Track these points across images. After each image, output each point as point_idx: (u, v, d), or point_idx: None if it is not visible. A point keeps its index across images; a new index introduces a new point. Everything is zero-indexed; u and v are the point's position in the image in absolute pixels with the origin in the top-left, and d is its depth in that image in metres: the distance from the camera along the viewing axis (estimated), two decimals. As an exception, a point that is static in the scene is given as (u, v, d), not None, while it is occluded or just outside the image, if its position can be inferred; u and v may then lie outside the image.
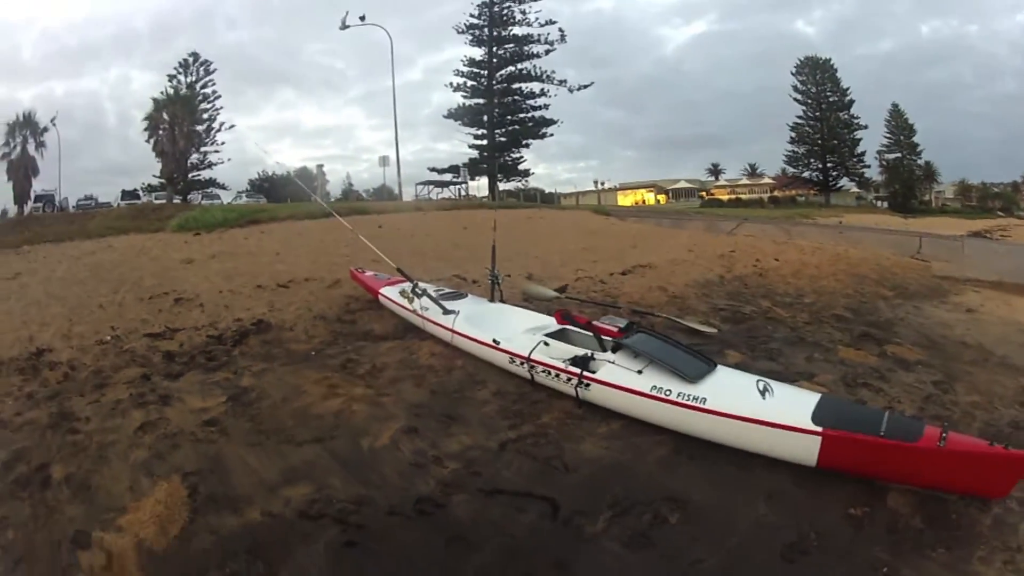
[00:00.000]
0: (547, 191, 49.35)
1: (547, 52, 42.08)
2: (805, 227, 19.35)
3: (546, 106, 43.08)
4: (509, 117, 43.68)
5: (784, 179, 53.42)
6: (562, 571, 2.69)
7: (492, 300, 5.99)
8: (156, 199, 33.29)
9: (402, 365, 4.89)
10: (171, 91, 39.22)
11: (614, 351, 4.14)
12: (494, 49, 42.94)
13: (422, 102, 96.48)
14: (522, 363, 4.44)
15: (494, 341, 4.68)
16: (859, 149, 50.76)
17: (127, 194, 35.41)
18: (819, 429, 3.23)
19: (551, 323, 4.88)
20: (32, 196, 37.02)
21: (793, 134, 51.42)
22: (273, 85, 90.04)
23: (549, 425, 3.92)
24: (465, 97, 43.86)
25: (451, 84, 43.65)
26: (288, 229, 13.20)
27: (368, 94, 77.81)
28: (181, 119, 37.77)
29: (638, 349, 3.99)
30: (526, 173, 45.58)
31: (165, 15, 66.78)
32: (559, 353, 4.34)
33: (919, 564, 2.70)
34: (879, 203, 51.50)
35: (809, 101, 50.89)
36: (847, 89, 50.27)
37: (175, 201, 31.75)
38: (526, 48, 42.31)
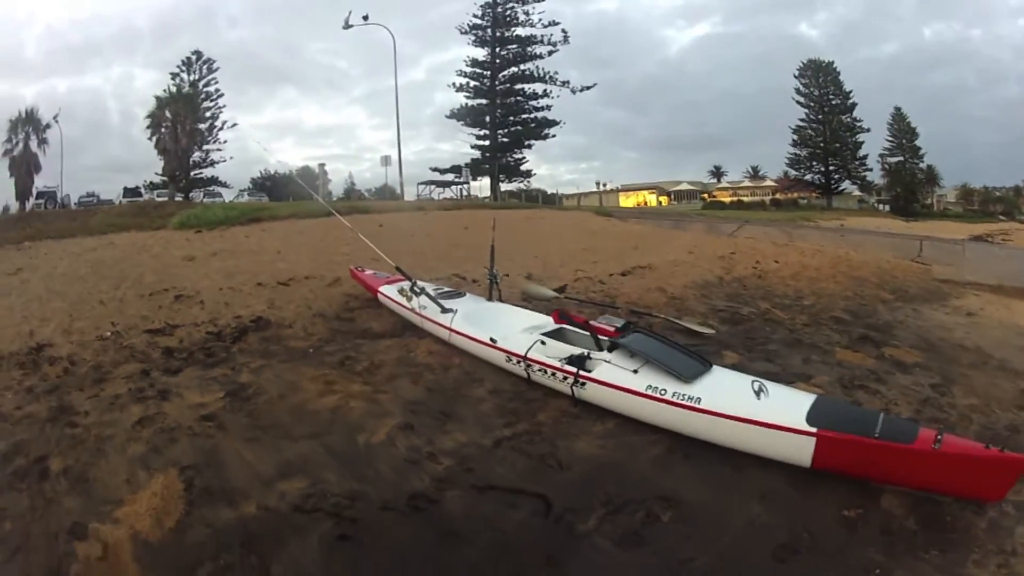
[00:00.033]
0: (549, 192, 49.41)
1: (550, 53, 42.10)
2: (806, 230, 19.33)
3: (548, 107, 43.10)
4: (512, 118, 43.69)
5: (786, 182, 53.36)
6: (553, 567, 2.71)
7: (490, 299, 6.02)
8: (158, 197, 33.30)
9: (400, 363, 4.92)
10: (174, 89, 39.34)
11: (610, 350, 4.16)
12: (497, 50, 42.94)
13: (425, 102, 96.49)
14: (519, 362, 4.47)
15: (491, 340, 4.70)
16: (861, 152, 50.73)
17: (129, 192, 35.39)
18: (813, 430, 3.24)
19: (549, 322, 4.91)
20: (34, 193, 37.11)
21: (795, 137, 51.40)
22: (275, 84, 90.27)
23: (544, 423, 3.95)
24: (468, 97, 43.91)
25: (454, 84, 43.69)
26: (289, 228, 13.21)
27: (371, 93, 77.95)
28: (183, 117, 37.87)
29: (634, 349, 4.01)
30: (528, 174, 45.62)
31: (167, 13, 66.93)
32: (556, 352, 4.36)
33: (913, 566, 2.70)
34: (881, 206, 51.46)
35: (812, 104, 50.84)
36: (850, 92, 50.26)
37: (177, 199, 31.79)
38: (529, 49, 42.30)
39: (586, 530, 2.93)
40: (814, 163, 51.15)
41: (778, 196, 52.72)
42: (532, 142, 44.22)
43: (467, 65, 43.51)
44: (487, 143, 43.92)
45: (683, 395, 3.64)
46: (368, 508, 3.05)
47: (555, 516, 3.03)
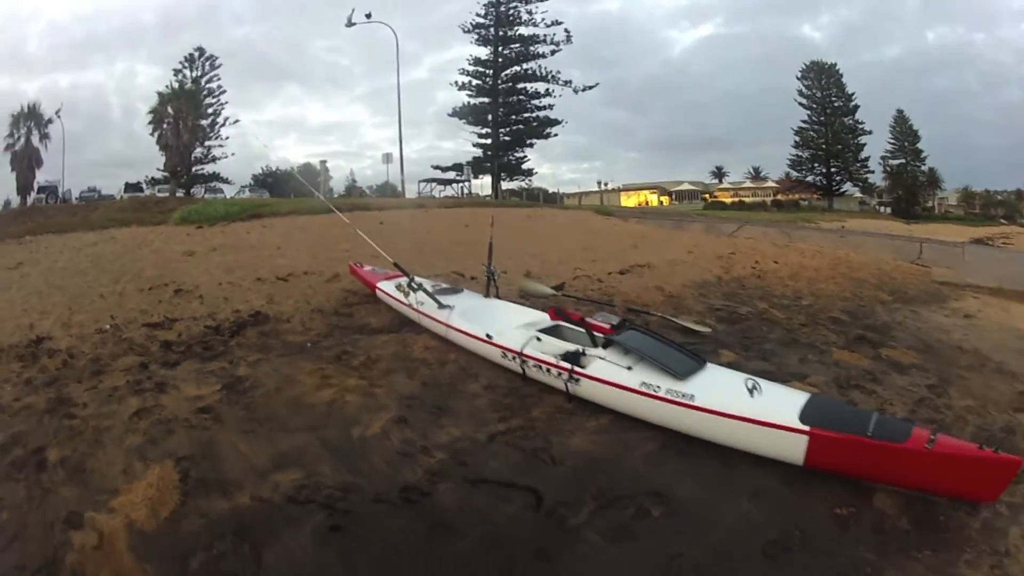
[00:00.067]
0: (550, 191, 49.41)
1: (552, 52, 42.13)
2: (806, 231, 19.37)
3: (551, 106, 43.14)
4: (513, 116, 43.74)
5: (787, 183, 53.38)
6: (542, 560, 2.73)
7: (487, 296, 6.04)
8: (159, 192, 33.35)
9: (396, 358, 4.94)
10: (176, 85, 39.40)
11: (605, 347, 4.18)
12: (500, 49, 42.95)
13: (427, 100, 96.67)
14: (514, 358, 4.49)
15: (487, 336, 4.73)
16: (863, 154, 50.75)
17: (130, 187, 35.49)
18: (806, 428, 3.25)
19: (545, 319, 4.93)
20: (35, 187, 37.24)
21: (797, 138, 51.44)
22: (279, 81, 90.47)
23: (538, 419, 3.97)
24: (470, 96, 43.96)
25: (456, 83, 43.73)
26: (289, 224, 13.24)
27: (373, 91, 78.10)
28: (186, 113, 37.95)
29: (628, 346, 4.03)
30: (530, 172, 45.65)
31: (171, 10, 67.09)
32: (551, 348, 4.37)
33: (904, 565, 2.70)
34: (882, 208, 51.44)
35: (814, 106, 50.85)
36: (852, 94, 50.25)
37: (178, 195, 31.86)
38: (532, 48, 42.33)
39: (577, 524, 2.95)
40: (816, 164, 51.18)
41: (779, 197, 52.71)
42: (534, 141, 44.33)
43: (469, 64, 43.61)
44: (489, 142, 43.98)
45: (676, 392, 3.66)
46: (361, 500, 3.07)
47: (546, 510, 3.05)
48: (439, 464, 3.41)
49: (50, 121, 38.79)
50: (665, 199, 55.68)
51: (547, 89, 42.87)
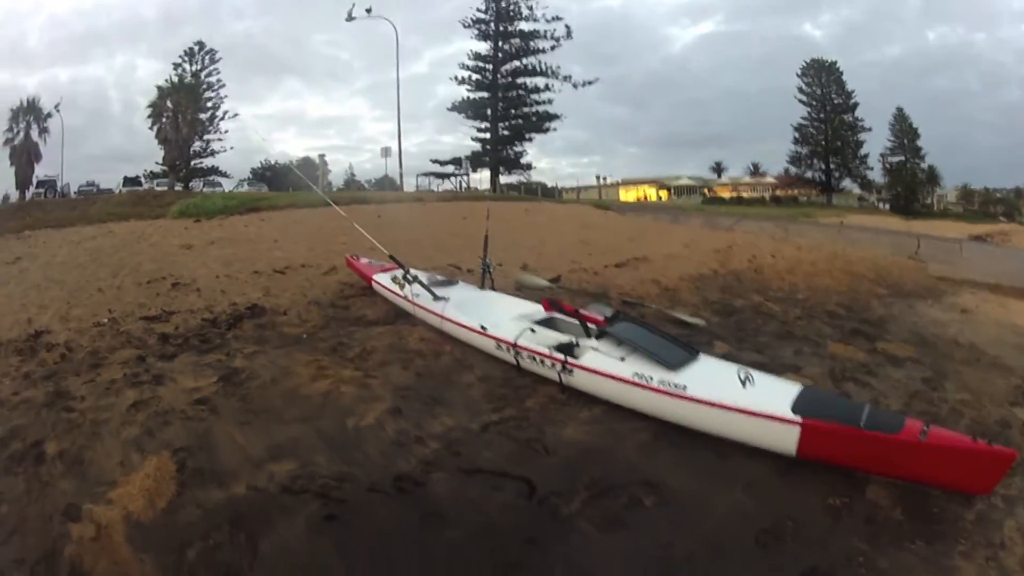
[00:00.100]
0: (549, 185, 49.27)
1: (552, 48, 42.02)
2: (805, 226, 19.40)
3: (550, 101, 43.02)
4: (513, 111, 43.65)
5: (787, 179, 53.34)
6: (534, 548, 2.75)
7: (482, 288, 6.05)
8: (158, 186, 33.31)
9: (391, 349, 4.94)
10: (175, 79, 39.26)
11: (598, 338, 4.20)
12: (500, 43, 42.85)
13: (427, 95, 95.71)
14: (508, 349, 4.51)
15: (482, 327, 4.74)
16: (863, 151, 50.71)
17: (129, 181, 35.32)
18: (798, 419, 3.25)
19: (539, 311, 4.94)
20: (34, 182, 37.15)
21: (797, 134, 51.36)
22: (279, 75, 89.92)
23: (532, 409, 3.99)
24: (470, 90, 43.87)
25: (456, 77, 43.66)
26: (287, 217, 13.27)
27: (373, 85, 77.48)
28: (185, 107, 37.83)
29: (621, 337, 4.05)
30: (528, 167, 45.52)
31: (172, 3, 66.43)
32: (544, 340, 4.39)
33: (896, 556, 2.71)
34: (881, 205, 51.41)
35: (814, 103, 50.79)
36: (852, 92, 50.19)
37: (177, 188, 31.84)
38: (532, 43, 42.23)
39: (569, 513, 2.97)
40: (815, 161, 51.15)
41: (778, 193, 52.69)
42: (533, 136, 44.26)
43: (469, 58, 43.50)
44: (488, 136, 43.92)
45: (669, 383, 3.67)
46: (355, 489, 3.09)
47: (539, 499, 3.07)
48: (433, 454, 3.43)
49: (49, 115, 38.72)
50: (664, 194, 55.51)
51: (547, 84, 42.81)
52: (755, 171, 58.63)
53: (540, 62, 42.34)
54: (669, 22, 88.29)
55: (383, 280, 6.16)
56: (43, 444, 3.54)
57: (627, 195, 53.63)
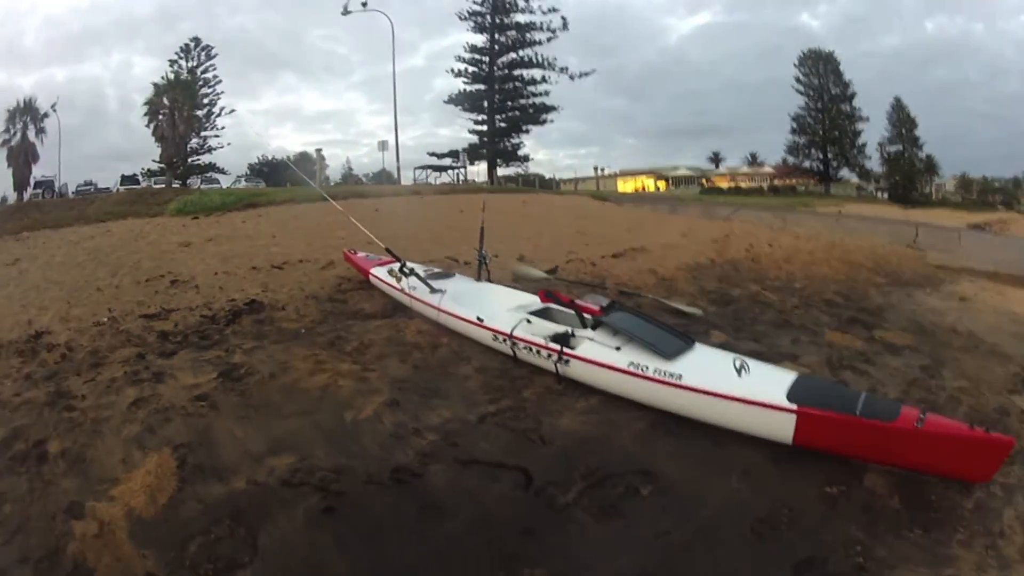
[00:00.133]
0: (547, 177, 49.19)
1: (549, 40, 41.78)
2: (803, 215, 19.37)
3: (547, 93, 42.83)
4: (510, 103, 43.46)
5: (785, 169, 53.15)
6: (530, 538, 2.77)
7: (479, 279, 6.07)
8: (155, 184, 33.25)
9: (389, 342, 4.96)
10: (172, 76, 39.07)
11: (594, 328, 4.21)
12: (496, 36, 42.60)
13: (424, 88, 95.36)
14: (504, 340, 4.53)
15: (478, 319, 4.76)
16: (860, 141, 50.40)
17: (126, 179, 35.22)
18: (794, 407, 3.27)
19: (535, 301, 4.96)
20: (32, 182, 37.07)
21: (794, 124, 51.00)
22: (275, 70, 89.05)
23: (529, 400, 4.01)
24: (466, 83, 43.62)
25: (452, 70, 43.44)
26: (285, 212, 13.27)
27: (370, 79, 76.93)
28: (181, 104, 37.65)
29: (617, 326, 4.06)
30: (526, 159, 45.39)
31: (168, 0, 66.06)
32: (541, 330, 4.42)
33: (894, 544, 2.72)
34: (880, 194, 51.24)
35: (811, 93, 50.39)
36: (849, 82, 49.85)
37: (174, 186, 31.79)
38: (528, 35, 42.00)
39: (565, 503, 2.99)
40: (813, 150, 50.85)
41: (776, 183, 52.55)
42: (530, 127, 44.08)
43: (466, 51, 43.28)
44: (485, 128, 43.77)
45: (664, 372, 3.69)
46: (353, 482, 3.12)
47: (535, 489, 3.09)
48: (430, 446, 3.45)
49: (46, 116, 38.59)
50: (662, 184, 55.36)
51: (543, 76, 42.61)
52: (753, 161, 58.42)
53: (536, 54, 42.18)
54: (666, 12, 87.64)
55: (380, 274, 6.18)
56: (45, 444, 3.56)
57: (625, 186, 53.48)
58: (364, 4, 32.84)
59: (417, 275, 5.60)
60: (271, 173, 40.47)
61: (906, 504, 2.98)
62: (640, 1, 75.55)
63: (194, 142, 39.66)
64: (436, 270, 6.18)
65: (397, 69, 38.02)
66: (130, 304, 6.35)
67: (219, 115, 40.54)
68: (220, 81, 40.87)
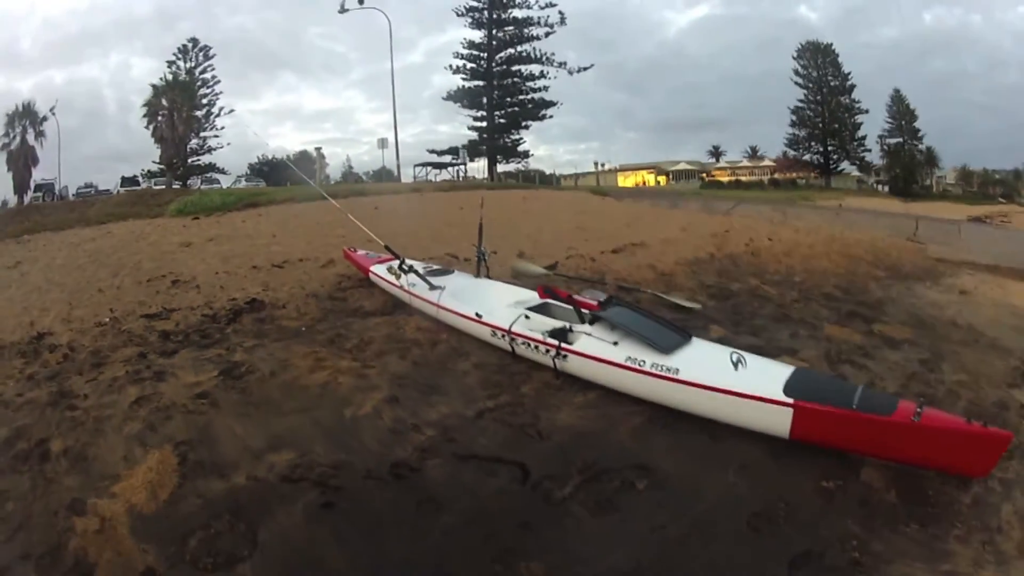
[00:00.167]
0: (547, 172, 49.11)
1: (547, 35, 41.74)
2: (803, 209, 19.37)
3: (546, 88, 42.77)
4: (509, 99, 43.42)
5: (785, 162, 53.07)
6: (527, 532, 2.79)
7: (478, 276, 6.09)
8: (155, 185, 33.26)
9: (388, 339, 4.98)
10: (170, 77, 39.06)
11: (591, 323, 4.22)
12: (494, 31, 42.56)
13: (423, 84, 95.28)
14: (503, 336, 4.55)
15: (477, 315, 4.77)
16: (860, 133, 50.34)
17: (126, 180, 35.28)
18: (790, 401, 3.27)
19: (534, 297, 4.97)
20: (32, 186, 37.08)
21: (794, 117, 51.00)
22: (274, 70, 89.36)
23: (527, 395, 4.04)
24: (465, 79, 43.60)
25: (451, 66, 43.40)
26: (285, 211, 13.29)
27: (368, 77, 77.04)
28: (180, 105, 37.63)
29: (614, 321, 4.07)
30: (526, 154, 45.31)
31: (166, 0, 65.98)
32: (539, 326, 4.43)
33: (890, 539, 2.72)
34: (880, 187, 51.16)
35: (810, 85, 50.36)
36: (848, 74, 49.79)
37: (174, 186, 31.80)
38: (526, 30, 41.94)
39: (561, 497, 3.02)
40: (813, 143, 50.82)
41: (777, 176, 52.47)
42: (529, 123, 44.03)
43: (464, 47, 43.23)
44: (484, 124, 43.73)
45: (661, 366, 3.70)
46: (352, 477, 3.15)
47: (532, 483, 3.12)
48: (428, 441, 3.48)
49: (45, 119, 38.63)
50: (663, 179, 55.30)
51: (542, 71, 42.57)
52: (753, 154, 58.32)
53: (535, 49, 42.11)
54: (664, 5, 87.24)
55: (380, 271, 6.20)
56: (48, 442, 3.59)
57: (625, 181, 53.44)
58: (361, 2, 32.86)
59: (416, 272, 5.62)
60: (271, 173, 40.44)
61: (903, 499, 2.98)
62: (637, -6, 75.35)
63: (194, 143, 39.70)
64: (435, 267, 6.19)
65: (396, 66, 38.14)
66: (131, 304, 6.38)
67: (218, 115, 40.59)
68: (219, 81, 40.91)
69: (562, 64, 42.02)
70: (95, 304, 6.52)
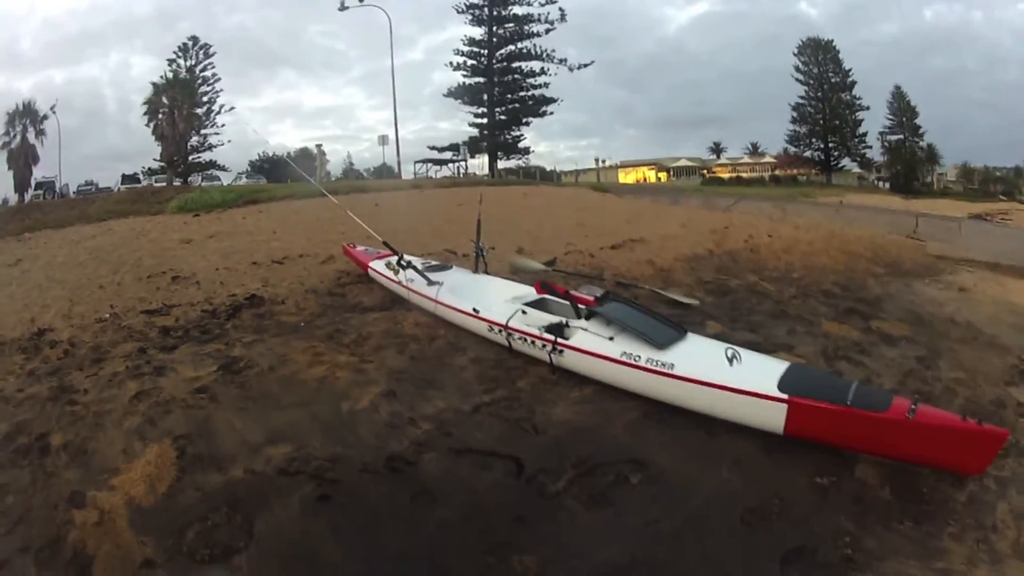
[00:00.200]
0: (548, 169, 49.04)
1: (547, 31, 41.65)
2: (803, 206, 19.33)
3: (546, 85, 42.64)
4: (509, 96, 43.33)
5: (786, 158, 52.94)
6: (521, 526, 2.82)
7: (476, 271, 6.11)
8: (156, 182, 33.25)
9: (386, 334, 5.00)
10: (170, 75, 39.05)
11: (587, 319, 4.23)
12: (494, 28, 42.47)
13: (423, 81, 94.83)
14: (500, 331, 4.57)
15: (474, 310, 4.79)
16: (861, 130, 50.12)
17: (127, 178, 35.25)
18: (785, 396, 3.28)
19: (531, 293, 5.00)
20: (32, 184, 37.12)
21: (795, 114, 50.75)
22: (274, 67, 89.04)
23: (523, 390, 4.06)
24: (465, 76, 43.49)
25: (451, 63, 43.35)
26: (285, 208, 13.28)
27: (369, 74, 76.85)
28: (180, 102, 37.64)
29: (610, 316, 4.09)
30: (526, 151, 45.23)
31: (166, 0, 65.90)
32: (536, 321, 4.45)
33: (883, 536, 2.73)
34: (881, 184, 51.02)
35: (811, 82, 50.12)
36: (849, 70, 49.55)
37: (175, 184, 31.80)
38: (526, 27, 41.86)
39: (555, 491, 3.04)
40: (813, 140, 50.61)
41: (777, 173, 52.35)
42: (530, 119, 43.94)
43: (464, 44, 43.16)
44: (485, 121, 43.67)
45: (656, 361, 3.72)
46: (348, 470, 3.17)
47: (527, 477, 3.14)
48: (424, 435, 3.50)
49: (45, 117, 38.64)
50: (663, 175, 55.23)
51: (542, 68, 42.46)
52: (754, 151, 58.19)
53: (535, 46, 41.99)
54: (664, 2, 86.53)
55: (378, 267, 6.22)
56: (48, 437, 3.63)
57: (626, 177, 53.37)
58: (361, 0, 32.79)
59: (414, 268, 5.64)
60: (272, 170, 40.49)
61: (897, 496, 2.98)
62: (637, -10, 75.01)
63: (194, 140, 39.69)
64: (433, 262, 6.21)
65: (396, 63, 38.14)
66: (132, 300, 6.40)
67: (219, 113, 40.58)
68: (219, 79, 40.87)
69: (562, 61, 41.96)
70: (96, 300, 6.53)
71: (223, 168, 41.03)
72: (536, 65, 42.45)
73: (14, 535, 2.86)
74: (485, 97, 43.04)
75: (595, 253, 8.47)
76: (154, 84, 38.28)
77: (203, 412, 3.81)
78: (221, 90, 40.91)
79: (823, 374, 4.13)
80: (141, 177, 36.38)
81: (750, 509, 2.90)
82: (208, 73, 40.65)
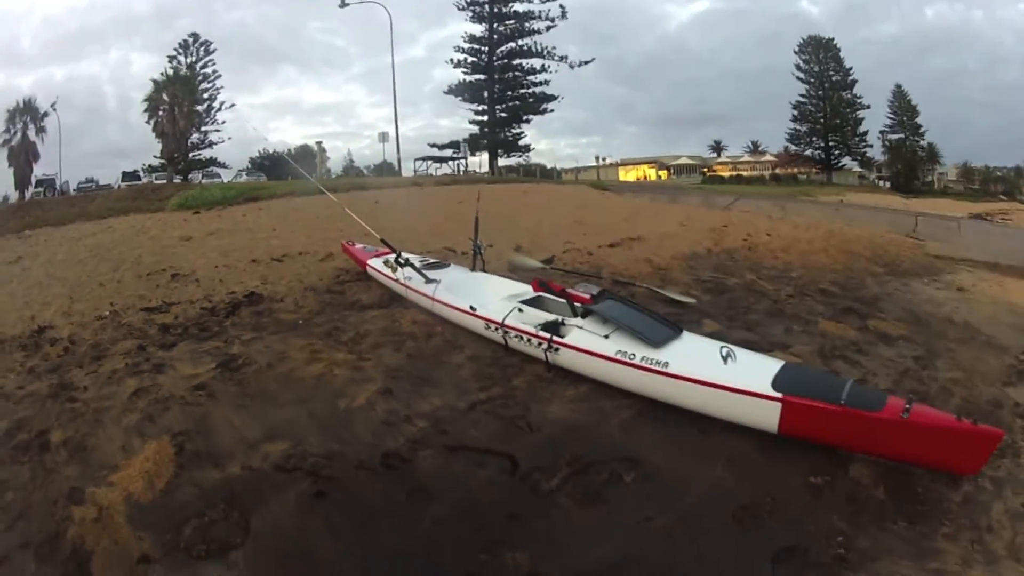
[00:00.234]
0: (548, 166, 49.04)
1: (548, 28, 41.59)
2: (803, 204, 19.28)
3: (547, 82, 42.56)
4: (510, 93, 43.26)
5: (786, 157, 52.86)
6: (515, 523, 2.84)
7: (473, 269, 6.13)
8: (156, 180, 33.29)
9: (384, 332, 5.02)
10: (171, 72, 39.03)
11: (583, 317, 4.24)
12: (494, 25, 42.41)
13: (424, 79, 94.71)
14: (496, 329, 4.58)
15: (471, 308, 4.81)
16: (862, 128, 49.91)
17: (127, 175, 35.36)
18: (779, 395, 3.28)
19: (528, 291, 5.01)
20: (33, 181, 37.13)
21: (795, 112, 50.56)
22: (275, 64, 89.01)
23: (519, 388, 4.07)
24: (466, 73, 43.38)
25: (452, 60, 43.29)
26: (285, 206, 13.30)
27: (369, 71, 76.67)
28: (181, 99, 37.57)
29: (606, 315, 4.10)
30: (527, 148, 45.15)
31: (166, -4, 65.75)
32: (532, 319, 4.46)
33: (877, 536, 2.73)
34: (881, 183, 50.93)
35: (812, 80, 49.94)
36: (850, 69, 49.34)
37: (175, 181, 31.82)
38: (527, 24, 41.81)
39: (549, 489, 3.05)
40: (814, 138, 50.45)
41: (778, 171, 52.27)
42: (530, 117, 43.83)
43: (465, 41, 43.11)
44: (485, 118, 43.60)
45: (651, 360, 3.73)
46: (344, 467, 3.20)
47: (521, 475, 3.16)
48: (420, 432, 3.52)
49: (46, 115, 38.57)
50: (664, 173, 55.17)
51: (543, 65, 42.41)
52: (754, 149, 58.12)
53: (536, 43, 41.88)
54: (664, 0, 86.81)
55: (377, 264, 6.22)
56: (48, 433, 3.66)
57: (626, 175, 53.30)
58: (361, -4, 32.78)
59: (412, 265, 5.67)
60: (272, 167, 40.46)
61: (891, 495, 2.98)
62: (639, -13, 74.83)
63: (194, 137, 39.60)
64: (431, 260, 6.23)
65: (396, 60, 38.12)
66: (131, 298, 6.43)
67: (219, 110, 40.48)
68: (219, 76, 40.75)
69: (563, 58, 41.87)
70: (95, 298, 6.57)
71: (223, 165, 40.97)
72: (537, 62, 42.38)
73: (14, 531, 2.89)
74: (486, 94, 42.96)
75: (593, 251, 8.47)
76: (155, 81, 38.21)
77: (201, 409, 3.84)
78: (221, 87, 40.81)
79: (818, 373, 4.12)
80: (141, 174, 36.42)
81: (743, 507, 2.91)
82: (208, 70, 40.56)
